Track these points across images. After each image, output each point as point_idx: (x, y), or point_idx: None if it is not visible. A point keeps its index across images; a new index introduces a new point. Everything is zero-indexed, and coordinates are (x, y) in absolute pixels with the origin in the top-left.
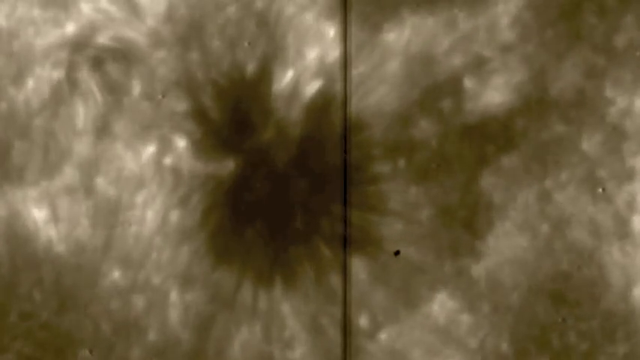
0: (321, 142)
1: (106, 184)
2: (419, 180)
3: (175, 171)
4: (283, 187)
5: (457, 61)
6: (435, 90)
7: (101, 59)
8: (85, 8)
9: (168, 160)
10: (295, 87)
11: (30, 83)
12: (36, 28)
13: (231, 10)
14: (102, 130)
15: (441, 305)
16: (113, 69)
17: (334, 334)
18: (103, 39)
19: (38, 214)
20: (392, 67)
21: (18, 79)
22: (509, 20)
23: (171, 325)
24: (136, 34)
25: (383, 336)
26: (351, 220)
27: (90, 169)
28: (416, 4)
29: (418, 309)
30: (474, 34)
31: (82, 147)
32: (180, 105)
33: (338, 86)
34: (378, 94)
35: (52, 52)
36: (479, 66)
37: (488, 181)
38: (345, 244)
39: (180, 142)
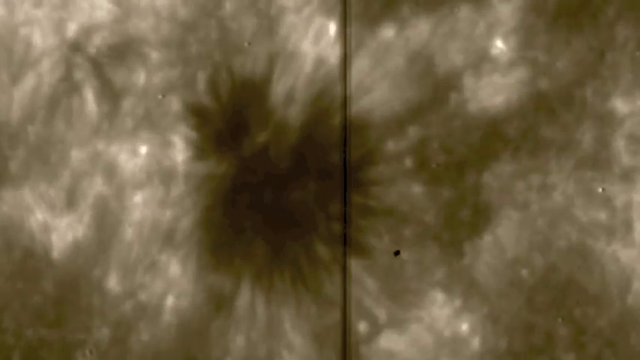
0: (321, 142)
1: (104, 185)
2: (419, 180)
3: (174, 171)
4: (283, 187)
5: (457, 60)
6: (435, 89)
7: (100, 59)
8: (85, 8)
9: (167, 161)
10: (295, 86)
11: (29, 83)
12: (35, 28)
13: (231, 10)
14: (100, 130)
15: (441, 305)
16: (112, 69)
17: (334, 335)
18: (102, 39)
19: (36, 216)
20: (392, 67)
21: (17, 79)
22: (509, 19)
23: (169, 326)
24: (135, 35)
25: (383, 337)
26: (350, 220)
27: (88, 169)
28: (415, 3)
29: (418, 309)
30: (474, 33)
31: (81, 147)
32: (179, 105)
33: (338, 86)
34: (377, 93)
35: (51, 51)
36: (479, 65)
37: (488, 181)
38: (345, 244)
39: (180, 142)
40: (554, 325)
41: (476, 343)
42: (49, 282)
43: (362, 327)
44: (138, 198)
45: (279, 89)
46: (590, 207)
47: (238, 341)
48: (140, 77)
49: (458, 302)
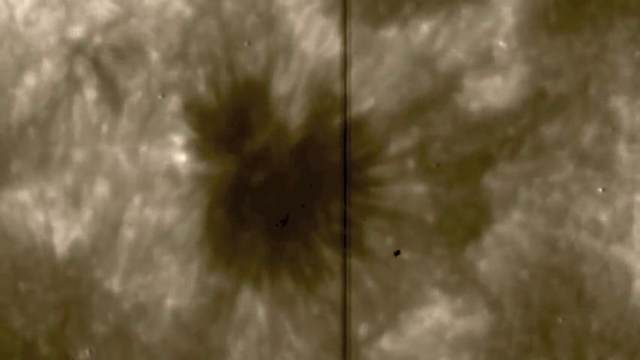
0: (321, 141)
1: (104, 185)
2: (419, 180)
3: (175, 171)
4: (283, 187)
5: (458, 59)
6: (435, 89)
7: (101, 59)
8: (86, 8)
9: (166, 161)
10: (295, 87)
11: (30, 83)
12: (36, 28)
13: (232, 9)
14: (101, 130)
15: (441, 306)
16: (113, 69)
17: (334, 336)
18: (103, 39)
19: (37, 217)
20: (393, 66)
21: (18, 79)
22: (509, 19)
23: (169, 327)
24: (136, 35)
25: (384, 338)
26: (350, 221)
27: (88, 169)
28: (416, 3)
29: (418, 310)
30: (475, 33)
31: (81, 147)
32: (180, 105)
33: (338, 85)
34: (378, 93)
35: (51, 52)
36: (479, 65)
37: (488, 181)
38: (345, 244)
39: (180, 142)
40: (554, 326)
41: (476, 343)
42: (49, 282)
43: (362, 327)
44: (138, 198)
45: (279, 89)
46: (590, 207)
47: (238, 342)
48: (141, 77)
49: (458, 302)
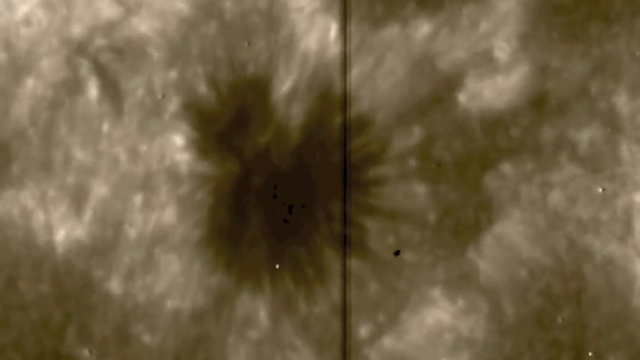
0: (322, 141)
1: (105, 185)
2: (419, 180)
3: (176, 171)
4: (283, 187)
5: (459, 60)
6: (436, 89)
7: (102, 60)
8: (87, 7)
9: (167, 161)
10: (295, 87)
11: (31, 83)
12: (37, 27)
13: (232, 9)
14: (102, 130)
15: (442, 306)
16: (114, 69)
17: (335, 336)
18: (103, 39)
19: (38, 217)
20: (394, 66)
21: (19, 79)
22: (511, 20)
23: (170, 327)
24: (137, 34)
25: (384, 338)
26: (351, 221)
27: (89, 169)
28: (415, 2)
29: (418, 310)
30: (476, 33)
31: (82, 147)
32: (179, 105)
33: (339, 85)
34: (378, 92)
35: (52, 52)
36: (480, 65)
37: (488, 181)
38: (346, 244)
39: (181, 142)
40: (554, 326)
41: (477, 343)
42: (50, 282)
43: (363, 328)
44: (139, 198)
45: (280, 89)
46: (590, 207)
47: (239, 343)
48: (142, 77)
49: (459, 302)
